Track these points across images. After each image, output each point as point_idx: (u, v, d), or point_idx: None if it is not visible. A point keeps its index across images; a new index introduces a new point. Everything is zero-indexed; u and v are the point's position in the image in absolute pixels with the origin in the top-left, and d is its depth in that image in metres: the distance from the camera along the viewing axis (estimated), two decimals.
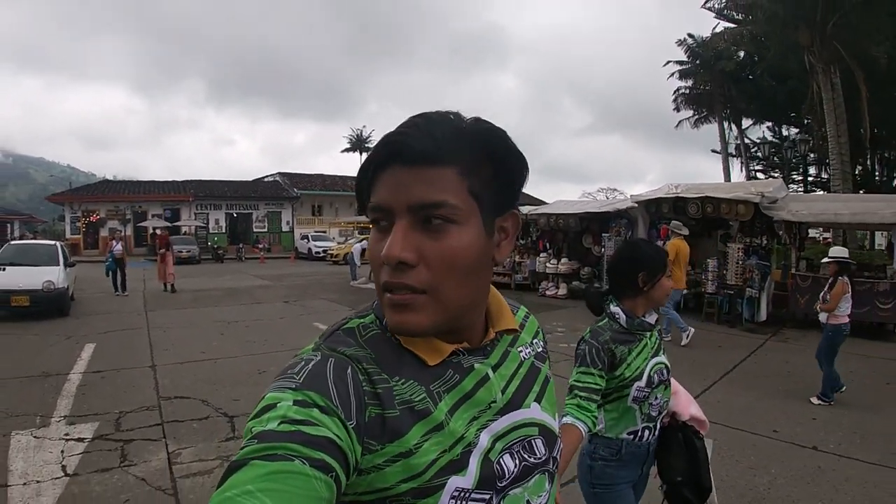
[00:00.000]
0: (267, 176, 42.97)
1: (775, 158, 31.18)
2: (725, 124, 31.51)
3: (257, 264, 27.52)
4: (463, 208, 0.71)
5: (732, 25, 25.48)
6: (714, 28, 26.34)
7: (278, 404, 0.63)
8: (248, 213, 37.27)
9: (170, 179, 38.64)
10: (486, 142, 0.74)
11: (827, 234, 20.46)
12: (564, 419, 1.88)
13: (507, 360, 0.86)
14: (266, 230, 37.23)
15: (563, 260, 14.38)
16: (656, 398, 2.06)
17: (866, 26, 18.68)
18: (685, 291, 10.35)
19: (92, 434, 4.91)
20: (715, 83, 29.32)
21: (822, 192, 25.27)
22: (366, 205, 0.74)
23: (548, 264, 14.59)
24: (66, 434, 4.91)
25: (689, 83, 31.10)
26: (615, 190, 46.54)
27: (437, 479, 0.70)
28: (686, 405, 2.17)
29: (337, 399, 0.65)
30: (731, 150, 32.37)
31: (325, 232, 35.98)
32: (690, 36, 29.64)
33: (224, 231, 36.07)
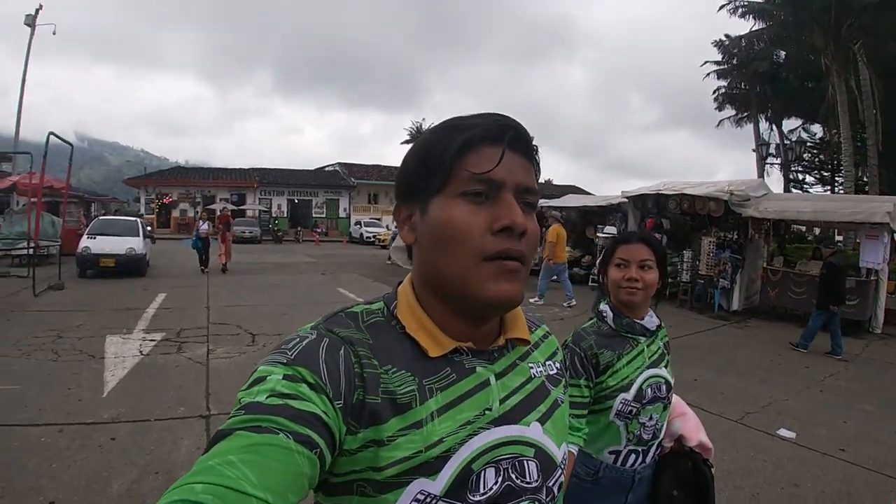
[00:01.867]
0: (328, 165, 45.59)
1: (817, 160, 31.32)
2: (766, 124, 31.60)
3: (312, 246, 30.05)
4: (538, 200, 0.80)
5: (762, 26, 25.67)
6: (751, 27, 26.63)
7: (268, 377, 0.64)
8: (308, 200, 39.91)
9: (237, 167, 41.84)
10: (536, 148, 0.79)
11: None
12: None
13: (514, 372, 0.83)
14: (324, 216, 39.78)
15: (567, 248, 16.11)
16: (650, 418, 1.74)
17: (881, 27, 18.94)
18: (565, 264, 11.97)
19: (160, 338, 7.39)
20: (750, 83, 29.84)
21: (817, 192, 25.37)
22: (450, 169, 0.73)
23: None
24: (143, 337, 7.40)
25: (726, 83, 31.29)
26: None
27: (401, 478, 0.68)
28: (695, 430, 1.86)
29: (326, 377, 0.66)
30: (772, 150, 32.48)
31: (378, 219, 38.30)
32: (727, 36, 29.89)
33: (285, 215, 38.75)
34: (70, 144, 12.94)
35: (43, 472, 3.59)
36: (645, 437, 1.75)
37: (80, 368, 5.89)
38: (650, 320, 1.83)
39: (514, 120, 0.76)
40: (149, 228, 17.46)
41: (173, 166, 47.80)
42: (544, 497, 0.80)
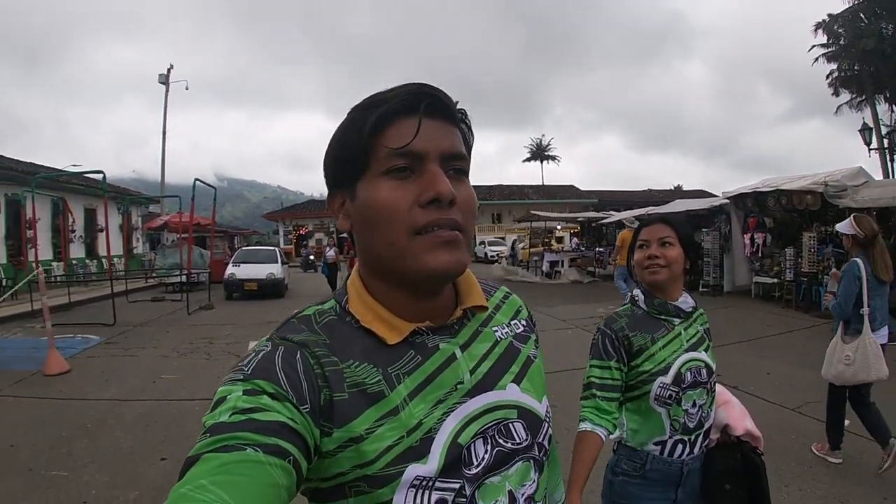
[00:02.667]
0: None
1: None
2: (885, 106, 28.63)
3: None
4: (468, 164, 0.77)
5: None
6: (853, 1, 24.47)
7: (228, 396, 0.63)
8: None
9: None
10: (463, 112, 0.78)
11: None
12: (582, 425, 1.68)
13: (478, 340, 0.82)
14: None
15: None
16: (693, 404, 1.70)
17: None
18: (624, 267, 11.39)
19: None
20: (860, 63, 27.66)
21: None
22: (368, 150, 0.72)
23: None
24: None
25: (835, 66, 28.88)
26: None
27: (393, 468, 0.68)
28: (741, 418, 1.80)
29: (287, 384, 0.65)
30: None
31: (502, 238, 39.28)
32: (830, 16, 27.75)
33: None
34: (213, 187, 15.53)
35: (196, 431, 4.98)
36: (690, 425, 1.70)
37: (228, 363, 7.31)
38: (685, 301, 1.79)
39: (430, 86, 0.73)
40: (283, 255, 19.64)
41: (307, 200, 51.53)
42: (537, 453, 0.81)
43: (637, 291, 1.83)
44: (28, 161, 21.73)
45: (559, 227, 30.03)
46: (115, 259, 21.01)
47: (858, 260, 3.91)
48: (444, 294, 0.81)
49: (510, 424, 0.79)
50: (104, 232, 17.00)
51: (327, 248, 17.64)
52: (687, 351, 1.72)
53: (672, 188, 49.58)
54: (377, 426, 0.69)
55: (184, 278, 15.02)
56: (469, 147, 0.80)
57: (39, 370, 7.00)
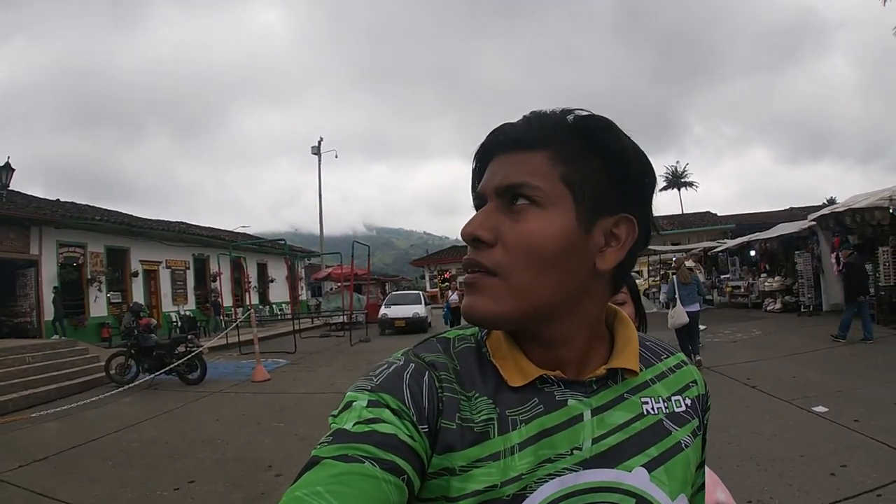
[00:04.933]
0: None
1: None
2: None
3: None
4: (548, 192, 0.66)
5: None
6: None
7: (354, 403, 0.64)
8: None
9: None
10: (588, 130, 0.68)
11: None
12: None
13: (618, 408, 0.71)
14: None
15: (777, 277, 17.18)
16: None
17: None
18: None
19: None
20: None
21: None
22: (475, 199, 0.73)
23: (765, 283, 17.60)
24: None
25: None
26: None
27: None
28: (710, 490, 1.43)
29: (410, 402, 0.64)
30: None
31: (638, 271, 40.03)
32: None
33: None
34: (367, 245, 19.72)
35: None
36: None
37: None
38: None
39: (503, 126, 0.70)
40: (427, 298, 22.98)
41: (450, 245, 54.65)
42: None
43: None
44: (207, 226, 28.44)
45: (681, 256, 30.52)
46: (284, 304, 27.62)
47: None
48: (580, 346, 0.71)
49: None
50: (275, 281, 24.46)
51: (450, 293, 17.56)
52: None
53: (825, 201, 46.78)
54: (473, 466, 0.64)
55: (345, 318, 18.87)
56: (611, 166, 0.67)
57: (248, 378, 10.38)
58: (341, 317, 20.14)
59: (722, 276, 22.40)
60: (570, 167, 0.66)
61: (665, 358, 0.80)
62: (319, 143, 35.37)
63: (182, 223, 26.12)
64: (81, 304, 17.97)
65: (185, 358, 10.34)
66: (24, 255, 16.18)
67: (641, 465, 0.68)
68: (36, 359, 10.80)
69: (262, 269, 28.93)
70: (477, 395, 0.68)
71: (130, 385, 9.82)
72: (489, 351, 0.72)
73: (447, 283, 21.16)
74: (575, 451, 0.66)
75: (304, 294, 33.20)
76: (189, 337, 11.85)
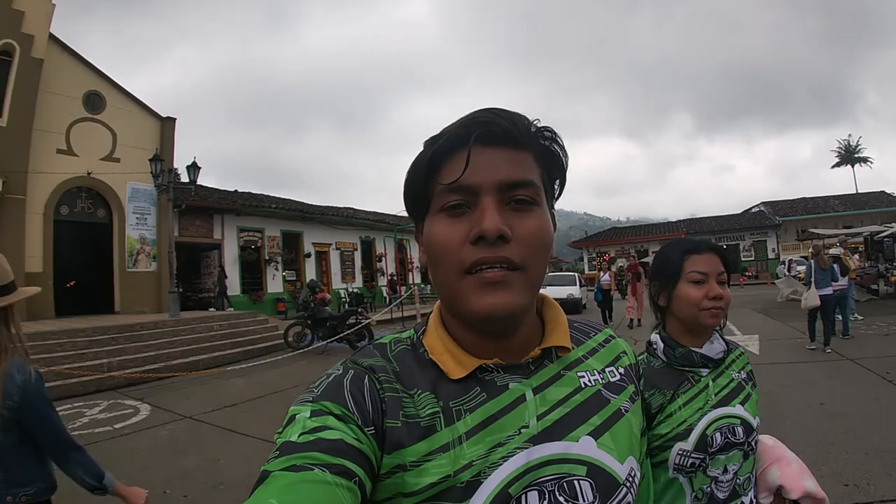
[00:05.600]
0: (752, 207, 45.27)
1: None
2: None
3: (737, 289, 30.81)
4: (541, 191, 0.72)
5: None
6: None
7: (297, 416, 0.65)
8: (735, 244, 40.57)
9: (668, 219, 45.21)
10: (550, 135, 0.74)
11: None
12: None
13: (557, 384, 0.75)
14: (753, 258, 39.82)
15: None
16: (724, 470, 1.35)
17: None
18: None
19: None
20: None
21: None
22: (428, 187, 0.71)
23: None
24: None
25: None
26: None
27: None
28: (798, 477, 1.42)
29: (353, 407, 0.66)
30: None
31: (805, 257, 36.71)
32: None
33: None
34: None
35: None
36: (720, 495, 1.34)
37: None
38: (711, 347, 1.44)
39: (487, 113, 0.69)
40: (582, 279, 22.76)
41: (610, 227, 53.58)
42: None
43: (655, 337, 1.51)
44: (373, 210, 30.63)
45: (819, 244, 27.79)
46: None
47: None
48: (524, 332, 0.75)
49: (575, 482, 0.69)
50: None
51: (601, 274, 15.86)
52: (716, 407, 1.38)
53: None
54: (425, 460, 0.66)
55: None
56: (554, 171, 0.75)
57: None
58: None
59: (892, 264, 19.69)
60: (543, 168, 0.73)
61: (594, 335, 0.86)
62: None
63: (349, 208, 28.15)
64: (260, 282, 20.47)
65: (356, 328, 11.74)
66: (208, 239, 19.12)
67: (587, 434, 0.72)
68: (222, 327, 12.96)
69: None
70: (419, 391, 0.71)
71: (305, 350, 11.12)
72: (427, 349, 0.75)
73: (604, 263, 20.23)
74: (523, 430, 0.70)
75: None
76: (359, 310, 13.02)
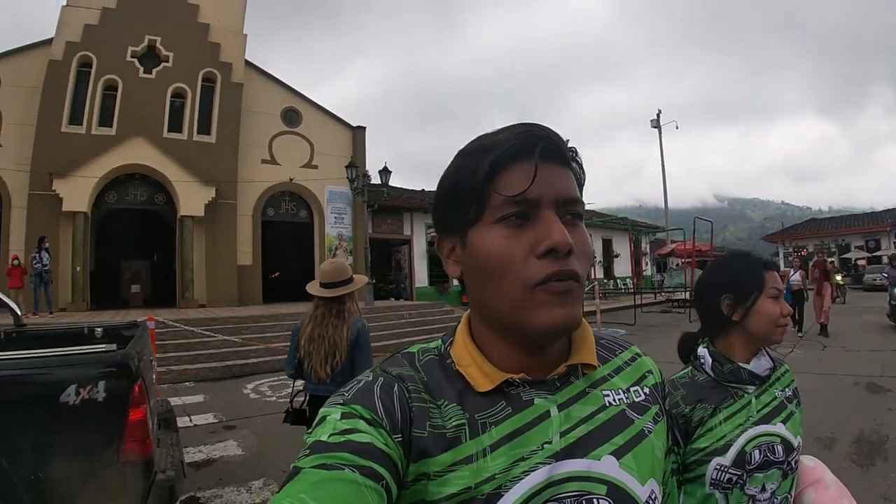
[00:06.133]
0: None
1: None
2: None
3: None
4: (583, 207, 0.74)
5: None
6: None
7: (328, 417, 0.67)
8: None
9: (873, 209, 40.68)
10: (576, 156, 0.75)
11: None
12: None
13: (582, 402, 0.76)
14: None
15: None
16: (762, 489, 1.34)
17: None
18: None
19: None
20: None
21: None
22: (483, 197, 0.69)
23: None
24: None
25: None
26: None
27: None
28: (835, 500, 1.38)
29: (382, 412, 0.67)
30: None
31: None
32: None
33: None
34: (710, 221, 19.53)
35: None
36: None
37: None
38: (758, 363, 1.43)
39: (542, 128, 0.70)
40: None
41: (808, 218, 49.06)
42: None
43: (703, 351, 1.47)
44: None
45: None
46: (628, 279, 29.16)
47: None
48: (555, 348, 0.76)
49: (594, 500, 0.70)
50: (619, 256, 26.29)
51: (791, 271, 13.59)
52: (757, 424, 1.37)
53: None
54: (448, 471, 0.67)
55: (687, 295, 18.59)
56: (581, 187, 0.75)
57: None
58: (683, 293, 19.83)
59: None
60: (580, 185, 0.74)
61: (620, 353, 0.85)
62: (658, 115, 34.54)
63: None
64: (446, 275, 21.66)
65: None
66: (398, 235, 21.64)
67: (609, 454, 0.72)
68: (411, 315, 14.75)
69: (606, 244, 29.92)
70: (446, 402, 0.71)
71: None
72: (454, 361, 0.75)
73: (796, 260, 16.50)
74: (545, 446, 0.70)
75: (648, 269, 33.39)
76: None
